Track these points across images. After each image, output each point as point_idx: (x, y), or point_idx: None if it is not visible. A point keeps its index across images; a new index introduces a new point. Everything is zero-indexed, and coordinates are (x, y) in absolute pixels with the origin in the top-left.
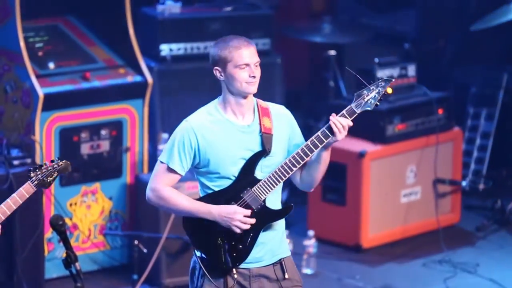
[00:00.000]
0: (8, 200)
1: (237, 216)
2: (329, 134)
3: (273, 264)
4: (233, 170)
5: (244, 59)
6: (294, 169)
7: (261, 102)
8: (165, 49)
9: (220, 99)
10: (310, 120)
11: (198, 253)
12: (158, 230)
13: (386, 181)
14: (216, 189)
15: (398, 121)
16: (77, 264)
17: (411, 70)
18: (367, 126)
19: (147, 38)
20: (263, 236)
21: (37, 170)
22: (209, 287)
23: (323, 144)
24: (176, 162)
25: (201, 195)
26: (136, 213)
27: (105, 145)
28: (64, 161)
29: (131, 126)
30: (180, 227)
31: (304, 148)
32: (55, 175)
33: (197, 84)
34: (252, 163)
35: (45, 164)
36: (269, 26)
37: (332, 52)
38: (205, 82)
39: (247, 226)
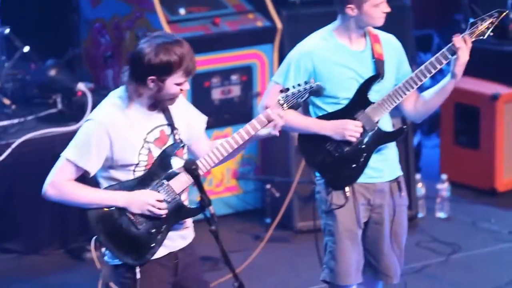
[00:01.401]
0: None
1: (349, 126)
2: (449, 56)
3: (391, 181)
4: (347, 93)
5: None
6: (410, 91)
7: (371, 29)
8: None
9: (336, 26)
10: None
11: (317, 174)
12: (289, 175)
13: None
14: (329, 110)
15: None
16: (211, 207)
17: None
18: (500, 69)
19: None
20: (385, 154)
21: (288, 90)
22: (337, 198)
23: (441, 65)
24: (288, 82)
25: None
26: (268, 158)
27: (235, 90)
28: (317, 83)
29: (261, 71)
30: (311, 171)
31: (423, 70)
32: (306, 96)
33: None
34: (365, 86)
35: (298, 85)
36: None
37: None
38: None
39: (358, 135)
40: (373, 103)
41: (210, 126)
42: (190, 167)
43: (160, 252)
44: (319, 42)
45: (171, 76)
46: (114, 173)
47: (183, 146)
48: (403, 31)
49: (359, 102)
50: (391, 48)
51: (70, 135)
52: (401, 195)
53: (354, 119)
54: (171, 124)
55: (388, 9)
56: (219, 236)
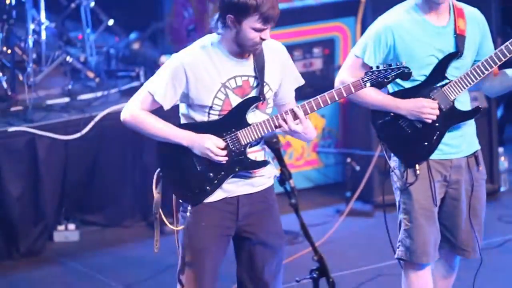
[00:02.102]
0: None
1: (425, 110)
2: None
3: (468, 156)
4: (425, 69)
5: None
6: (489, 70)
7: (456, 2)
8: None
9: (420, 1)
10: None
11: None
12: (370, 148)
13: None
14: (407, 85)
15: None
16: (291, 181)
17: None
18: None
19: None
20: (462, 130)
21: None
22: (410, 176)
23: None
24: (367, 56)
25: (390, 92)
26: (348, 131)
27: (317, 63)
28: (407, 67)
29: (344, 44)
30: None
31: (503, 49)
32: (392, 78)
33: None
34: (444, 63)
35: (388, 65)
36: None
37: None
38: None
39: (434, 117)
40: (451, 81)
41: None
42: (272, 140)
43: (217, 196)
44: (402, 16)
45: (247, 19)
46: (192, 113)
47: (263, 101)
48: (488, 3)
49: (436, 79)
50: (475, 23)
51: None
52: (479, 169)
53: (430, 96)
54: (257, 77)
55: None
56: (299, 210)
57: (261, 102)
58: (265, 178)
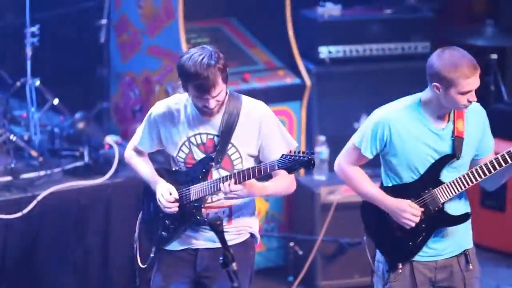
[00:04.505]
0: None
1: (406, 215)
2: None
3: (457, 255)
4: (419, 168)
5: (470, 86)
6: (482, 178)
7: None
8: (324, 51)
9: (424, 98)
10: None
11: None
12: (313, 233)
13: None
14: (398, 181)
15: None
16: (234, 264)
17: None
18: None
19: (306, 40)
20: (449, 232)
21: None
22: (394, 275)
23: None
24: (364, 146)
25: (384, 183)
26: (292, 215)
27: None
28: (310, 156)
29: (289, 128)
30: (335, 229)
31: (499, 158)
32: (297, 167)
33: (355, 87)
34: (439, 165)
35: (299, 152)
36: (430, 29)
37: (494, 56)
38: (363, 85)
39: (412, 224)
40: (443, 183)
41: None
42: (215, 223)
43: (177, 246)
44: (403, 113)
45: (189, 87)
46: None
47: (219, 162)
48: None
49: (429, 180)
50: (477, 117)
51: (96, 188)
52: (469, 268)
53: (421, 196)
54: (218, 136)
55: (474, 99)
56: None
57: (215, 163)
58: (232, 235)
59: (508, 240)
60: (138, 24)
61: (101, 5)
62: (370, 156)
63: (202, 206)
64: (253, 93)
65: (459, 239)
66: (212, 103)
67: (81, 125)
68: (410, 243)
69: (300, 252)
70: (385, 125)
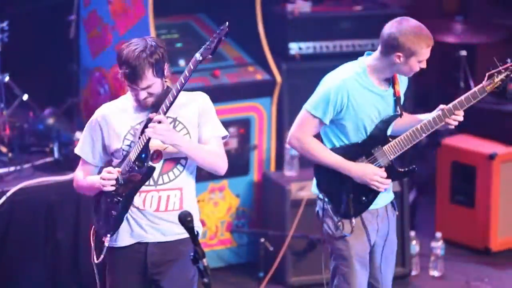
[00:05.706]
0: None
1: (375, 177)
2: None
3: (388, 204)
4: (368, 128)
5: (428, 54)
6: (423, 136)
7: None
8: (294, 47)
9: (372, 63)
10: None
11: (321, 196)
12: (284, 229)
13: None
14: (347, 142)
15: None
16: (204, 260)
17: None
18: (497, 128)
19: (277, 36)
20: (390, 185)
21: None
22: (348, 227)
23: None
24: (324, 114)
25: (328, 145)
26: (262, 211)
27: (233, 143)
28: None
29: (259, 124)
30: (305, 225)
31: (441, 115)
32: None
33: None
34: (386, 123)
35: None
36: None
37: (463, 53)
38: None
39: (386, 186)
40: (391, 141)
41: (206, 179)
42: (186, 219)
43: (126, 241)
44: (355, 80)
45: (121, 74)
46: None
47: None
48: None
49: (378, 138)
50: (403, 81)
51: (66, 184)
52: (396, 213)
53: (371, 154)
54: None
55: (424, 66)
56: None
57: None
58: (173, 226)
59: (477, 236)
60: (108, 20)
61: (71, 1)
62: (328, 123)
63: (148, 159)
64: (223, 89)
65: (390, 189)
66: (142, 94)
67: (50, 120)
68: (364, 198)
69: (271, 248)
70: (344, 93)
